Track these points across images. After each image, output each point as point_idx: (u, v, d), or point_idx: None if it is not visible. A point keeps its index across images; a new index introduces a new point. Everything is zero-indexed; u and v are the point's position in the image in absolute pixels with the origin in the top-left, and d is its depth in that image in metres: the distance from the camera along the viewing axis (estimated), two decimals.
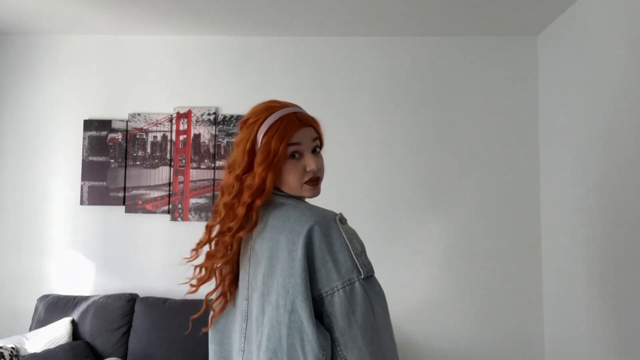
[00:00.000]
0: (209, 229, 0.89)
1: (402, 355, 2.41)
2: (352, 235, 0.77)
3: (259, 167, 0.81)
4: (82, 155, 2.54)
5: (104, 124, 2.55)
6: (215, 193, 2.52)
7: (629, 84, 1.73)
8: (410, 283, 2.45)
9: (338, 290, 0.72)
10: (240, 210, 0.82)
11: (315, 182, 0.86)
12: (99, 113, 2.57)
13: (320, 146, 0.90)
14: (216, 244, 0.88)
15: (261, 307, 0.78)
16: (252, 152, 0.84)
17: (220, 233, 0.86)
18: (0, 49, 2.59)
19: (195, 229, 2.52)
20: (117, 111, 2.57)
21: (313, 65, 2.59)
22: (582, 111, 2.06)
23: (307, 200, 0.90)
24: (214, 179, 2.51)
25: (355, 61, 2.58)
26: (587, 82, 2.02)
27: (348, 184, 2.51)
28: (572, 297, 2.13)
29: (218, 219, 0.87)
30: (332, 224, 0.76)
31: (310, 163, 0.83)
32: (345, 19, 2.36)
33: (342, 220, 0.79)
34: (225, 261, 0.87)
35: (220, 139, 2.54)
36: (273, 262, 0.77)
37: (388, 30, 2.50)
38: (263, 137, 0.82)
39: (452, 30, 2.49)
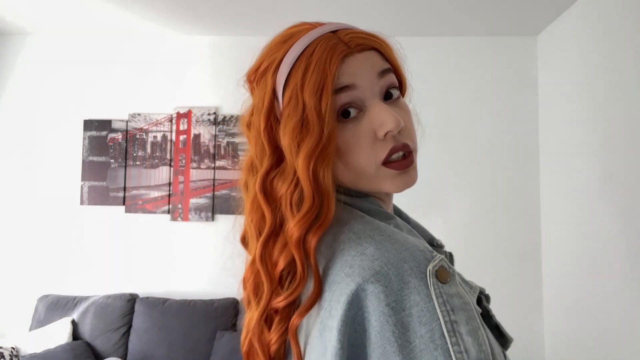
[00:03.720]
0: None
1: None
2: (462, 313, 0.36)
3: (296, 156, 0.42)
4: (82, 155, 2.53)
5: (104, 124, 2.55)
6: (216, 193, 2.51)
7: (628, 84, 1.73)
8: None
9: None
10: (282, 262, 0.42)
11: (403, 160, 0.44)
12: (99, 113, 2.57)
13: (402, 88, 0.50)
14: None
15: None
16: (272, 129, 0.45)
17: (257, 322, 0.44)
18: (0, 49, 2.59)
19: (195, 229, 2.52)
20: (117, 111, 2.57)
21: None
22: (582, 111, 2.06)
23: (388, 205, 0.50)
24: (214, 179, 2.51)
25: None
26: (587, 82, 2.01)
27: None
28: (572, 298, 2.13)
29: (250, 290, 0.46)
30: (412, 282, 0.36)
31: (382, 118, 0.42)
32: (343, 19, 2.35)
33: (442, 274, 0.37)
34: None
35: (220, 139, 2.54)
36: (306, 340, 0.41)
37: (387, 30, 2.47)
38: (284, 92, 0.43)
39: (452, 30, 2.49)
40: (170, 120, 2.56)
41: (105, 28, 2.52)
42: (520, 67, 2.54)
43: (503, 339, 0.47)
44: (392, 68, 0.48)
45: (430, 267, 0.36)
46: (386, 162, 0.43)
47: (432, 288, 0.35)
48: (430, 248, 0.39)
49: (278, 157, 0.44)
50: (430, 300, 0.35)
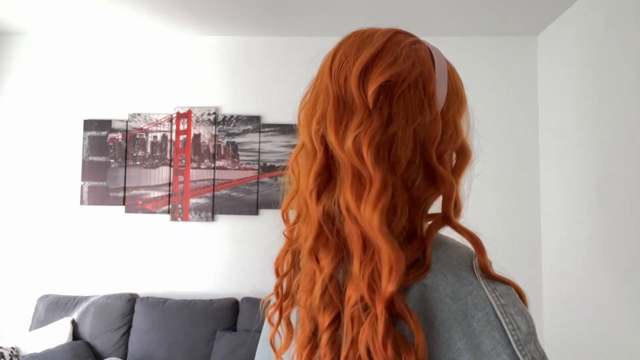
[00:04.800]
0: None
1: None
2: (508, 297, 0.41)
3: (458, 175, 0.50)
4: (82, 155, 2.54)
5: (104, 124, 2.55)
6: (216, 193, 2.51)
7: (628, 84, 1.73)
8: None
9: None
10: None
11: None
12: (99, 113, 2.57)
13: None
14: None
15: None
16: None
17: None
18: (0, 49, 2.59)
19: (195, 229, 2.52)
20: (117, 111, 2.57)
21: (313, 65, 2.59)
22: (582, 111, 2.06)
23: None
24: (214, 179, 2.51)
25: None
26: (587, 82, 2.02)
27: None
28: (572, 298, 2.13)
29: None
30: (462, 275, 0.42)
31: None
32: (345, 19, 2.36)
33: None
34: None
35: (220, 139, 2.54)
36: None
37: None
38: (451, 109, 0.50)
39: (452, 30, 2.49)
40: (170, 120, 2.56)
41: (105, 28, 2.52)
42: (520, 67, 2.54)
43: None
44: None
45: (474, 261, 0.43)
46: None
47: (480, 279, 0.41)
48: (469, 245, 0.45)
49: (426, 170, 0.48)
50: (481, 289, 0.41)
